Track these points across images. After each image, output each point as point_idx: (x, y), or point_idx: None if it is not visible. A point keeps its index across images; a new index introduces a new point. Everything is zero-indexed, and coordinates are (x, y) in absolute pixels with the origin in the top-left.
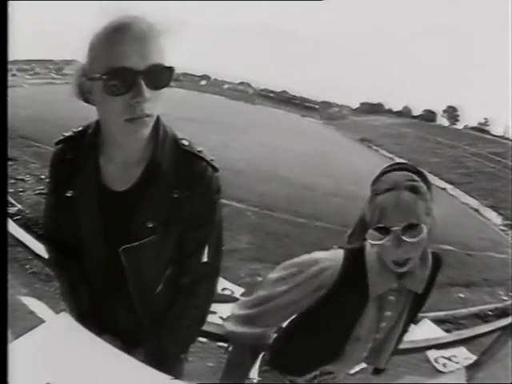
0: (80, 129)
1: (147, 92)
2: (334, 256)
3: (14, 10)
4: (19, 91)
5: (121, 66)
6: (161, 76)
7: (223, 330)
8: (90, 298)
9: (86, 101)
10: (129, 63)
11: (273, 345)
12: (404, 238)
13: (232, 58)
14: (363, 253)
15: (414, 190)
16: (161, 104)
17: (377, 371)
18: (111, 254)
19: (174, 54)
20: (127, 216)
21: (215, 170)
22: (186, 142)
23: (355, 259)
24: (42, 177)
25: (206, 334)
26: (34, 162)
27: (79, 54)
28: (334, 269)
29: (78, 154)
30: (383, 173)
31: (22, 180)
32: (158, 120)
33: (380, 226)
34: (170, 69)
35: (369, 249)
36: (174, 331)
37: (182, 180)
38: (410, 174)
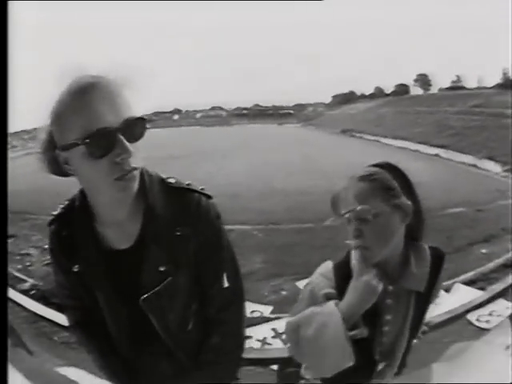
0: (67, 203)
1: (130, 146)
2: (325, 269)
3: None
4: None
5: (99, 128)
6: (136, 128)
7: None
8: (123, 361)
9: (63, 174)
10: (105, 123)
11: None
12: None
13: (198, 86)
14: (349, 264)
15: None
16: (140, 154)
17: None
18: (133, 308)
19: (142, 97)
20: (138, 268)
21: (209, 197)
22: (172, 180)
23: (343, 272)
24: (45, 247)
25: (250, 362)
26: (34, 234)
27: (45, 120)
28: (325, 283)
29: (72, 228)
30: None
31: (28, 254)
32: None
33: None
34: (142, 119)
35: (353, 259)
36: (216, 363)
37: (180, 217)
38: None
